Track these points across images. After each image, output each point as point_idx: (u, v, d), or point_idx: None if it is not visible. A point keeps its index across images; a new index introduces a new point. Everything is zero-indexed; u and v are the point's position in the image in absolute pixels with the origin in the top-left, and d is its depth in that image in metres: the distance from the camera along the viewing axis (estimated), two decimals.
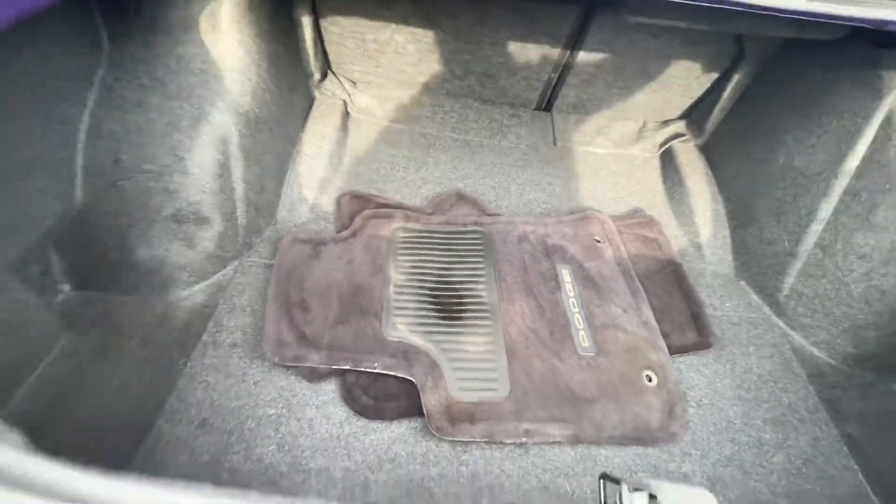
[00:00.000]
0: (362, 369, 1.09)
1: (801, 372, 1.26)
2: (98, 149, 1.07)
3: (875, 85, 1.16)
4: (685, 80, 1.69)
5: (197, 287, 1.22)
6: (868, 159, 1.16)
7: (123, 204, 1.11)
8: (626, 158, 1.82)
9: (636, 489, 0.58)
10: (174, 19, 1.11)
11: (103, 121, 1.07)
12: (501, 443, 1.02)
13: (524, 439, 1.02)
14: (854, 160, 1.19)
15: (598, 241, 1.48)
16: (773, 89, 1.49)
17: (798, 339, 1.33)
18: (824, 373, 1.26)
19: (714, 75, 1.66)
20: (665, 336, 1.27)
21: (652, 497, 0.59)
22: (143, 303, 1.17)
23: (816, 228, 1.26)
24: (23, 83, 0.91)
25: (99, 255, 1.14)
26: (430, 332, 1.17)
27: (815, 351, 1.30)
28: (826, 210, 1.24)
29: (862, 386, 1.24)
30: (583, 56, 1.63)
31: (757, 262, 1.43)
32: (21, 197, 0.95)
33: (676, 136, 1.84)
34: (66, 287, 1.14)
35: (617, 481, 0.58)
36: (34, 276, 1.04)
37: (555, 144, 1.83)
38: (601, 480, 0.62)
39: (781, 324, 1.36)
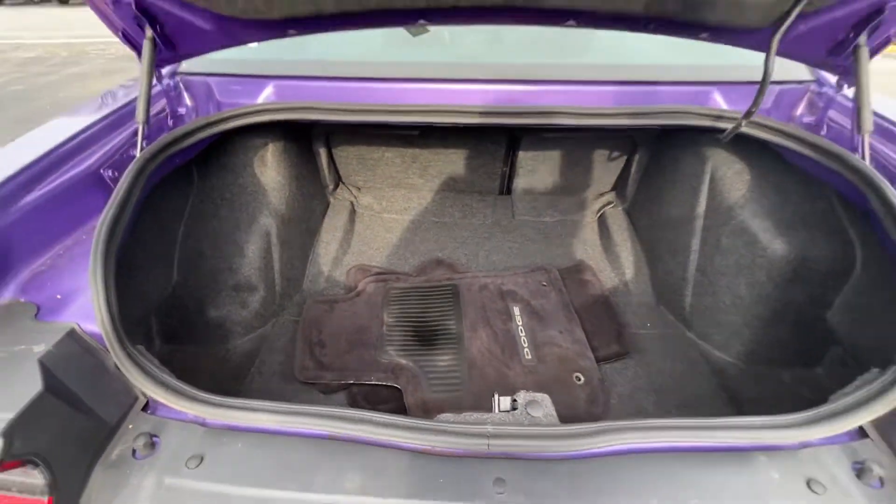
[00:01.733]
0: (362, 382, 1.51)
1: (705, 370, 1.61)
2: (188, 246, 1.64)
3: (702, 156, 1.68)
4: (605, 162, 2.25)
5: (247, 337, 1.71)
6: (708, 206, 1.64)
7: (201, 280, 1.65)
8: (571, 224, 2.33)
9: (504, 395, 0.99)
10: (237, 162, 1.75)
11: (192, 227, 1.66)
12: None
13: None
14: (701, 207, 1.67)
15: (545, 286, 1.93)
16: (658, 164, 2.03)
17: (704, 345, 1.69)
18: (724, 369, 1.61)
19: (624, 157, 2.22)
20: (594, 350, 1.66)
21: (514, 400, 1.00)
22: (210, 350, 1.66)
23: (694, 258, 1.70)
24: (151, 208, 1.51)
25: (182, 318, 1.65)
26: (411, 355, 1.60)
27: (717, 353, 1.65)
28: (695, 244, 1.69)
29: (756, 377, 1.58)
30: (522, 154, 2.22)
31: (667, 290, 1.84)
32: (146, 279, 1.50)
33: (608, 203, 2.36)
34: (158, 342, 1.65)
35: (492, 394, 0.99)
36: (144, 333, 1.56)
37: (514, 218, 2.36)
38: (493, 397, 1.02)
39: (691, 335, 1.73)
